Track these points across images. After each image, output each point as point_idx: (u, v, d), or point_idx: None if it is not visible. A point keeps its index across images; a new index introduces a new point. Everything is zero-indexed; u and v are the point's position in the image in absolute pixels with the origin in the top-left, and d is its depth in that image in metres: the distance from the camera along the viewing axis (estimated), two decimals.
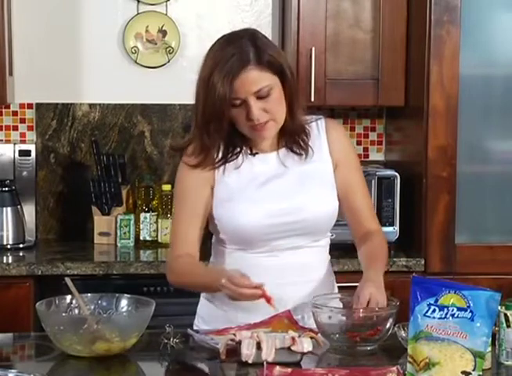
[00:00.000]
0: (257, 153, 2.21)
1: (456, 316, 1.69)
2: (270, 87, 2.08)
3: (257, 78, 2.07)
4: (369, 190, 2.34)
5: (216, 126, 2.11)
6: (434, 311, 1.70)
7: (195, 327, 2.25)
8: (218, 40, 2.14)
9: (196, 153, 2.17)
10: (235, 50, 2.07)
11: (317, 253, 2.26)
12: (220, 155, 2.18)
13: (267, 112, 2.09)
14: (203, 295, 2.30)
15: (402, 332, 1.97)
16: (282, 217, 2.17)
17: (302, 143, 2.20)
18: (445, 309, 1.70)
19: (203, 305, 2.28)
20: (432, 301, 1.70)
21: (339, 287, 3.02)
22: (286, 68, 2.11)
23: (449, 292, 1.70)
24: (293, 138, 2.19)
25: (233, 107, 2.09)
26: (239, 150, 2.19)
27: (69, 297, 2.08)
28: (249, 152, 2.20)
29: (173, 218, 2.26)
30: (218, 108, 2.07)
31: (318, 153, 2.22)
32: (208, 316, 2.26)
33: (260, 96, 2.08)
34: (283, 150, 2.21)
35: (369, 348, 1.99)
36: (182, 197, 2.22)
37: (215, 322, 2.17)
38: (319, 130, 2.23)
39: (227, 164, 2.19)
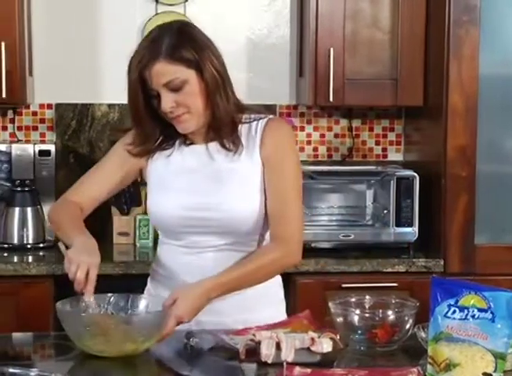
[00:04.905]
0: (191, 144, 2.22)
1: (476, 317, 1.68)
2: (181, 80, 2.09)
3: (165, 71, 2.08)
4: (295, 196, 2.17)
5: (137, 114, 2.16)
6: (454, 312, 1.70)
7: (146, 292, 2.27)
8: (153, 28, 2.17)
9: (136, 143, 2.22)
10: (152, 40, 2.11)
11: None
12: (156, 144, 2.22)
13: (180, 105, 2.11)
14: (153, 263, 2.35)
15: (422, 333, 1.97)
16: (197, 211, 2.16)
17: (231, 140, 2.18)
18: (466, 310, 1.69)
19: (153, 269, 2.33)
20: (452, 302, 1.70)
21: (358, 287, 3.04)
22: (205, 63, 2.09)
23: (470, 293, 1.69)
24: (217, 134, 2.18)
25: (154, 98, 2.13)
26: (174, 139, 2.22)
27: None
28: (183, 142, 2.23)
29: (89, 170, 2.31)
30: (131, 95, 2.14)
31: (248, 153, 2.18)
32: (155, 282, 2.30)
33: (172, 88, 2.09)
34: (213, 144, 2.20)
35: (388, 348, 1.99)
36: (107, 158, 2.29)
37: (162, 286, 2.22)
38: (256, 130, 2.20)
39: (160, 153, 2.23)
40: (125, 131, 2.29)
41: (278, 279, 2.31)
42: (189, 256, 2.20)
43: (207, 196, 2.17)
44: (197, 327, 2.10)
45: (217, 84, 2.12)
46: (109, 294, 2.10)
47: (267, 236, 2.23)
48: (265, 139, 2.19)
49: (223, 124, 2.16)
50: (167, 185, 2.21)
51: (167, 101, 2.10)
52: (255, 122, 2.21)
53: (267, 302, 2.25)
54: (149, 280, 2.34)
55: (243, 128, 2.20)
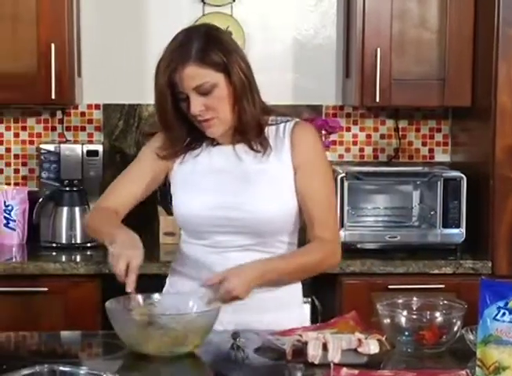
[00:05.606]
0: (218, 144, 2.23)
1: None
2: (211, 84, 2.10)
3: (195, 74, 2.09)
4: (333, 199, 2.25)
5: (165, 118, 2.16)
6: (503, 314, 1.68)
7: (164, 291, 2.27)
8: (179, 31, 2.17)
9: (165, 146, 2.23)
10: (180, 44, 2.11)
11: None
12: (184, 145, 2.23)
13: (209, 109, 2.12)
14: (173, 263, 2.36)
15: (470, 335, 1.95)
16: (223, 211, 2.17)
17: (259, 142, 2.18)
18: None
19: (172, 269, 2.34)
20: (502, 305, 1.68)
21: (404, 289, 3.02)
22: (234, 67, 2.10)
23: None
24: (244, 136, 2.19)
25: (182, 101, 2.14)
26: (201, 141, 2.23)
27: (138, 296, 2.09)
28: (211, 142, 2.23)
29: (118, 176, 2.31)
30: (160, 99, 2.14)
31: (277, 154, 2.19)
32: (175, 282, 2.30)
33: (201, 92, 2.10)
34: (240, 145, 2.21)
35: (436, 350, 1.98)
36: (136, 161, 2.30)
37: (183, 285, 2.22)
38: (284, 132, 2.21)
39: (188, 153, 2.24)
40: (152, 135, 2.31)
41: (297, 282, 2.30)
42: (213, 255, 2.21)
43: (235, 196, 2.18)
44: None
45: (244, 88, 2.13)
46: (156, 294, 2.12)
47: (294, 237, 2.24)
48: (295, 142, 2.20)
49: (249, 127, 2.17)
50: (193, 185, 2.23)
51: (197, 104, 2.11)
52: (282, 124, 2.23)
53: (285, 305, 2.24)
54: (168, 279, 2.34)
55: (269, 130, 2.21)
